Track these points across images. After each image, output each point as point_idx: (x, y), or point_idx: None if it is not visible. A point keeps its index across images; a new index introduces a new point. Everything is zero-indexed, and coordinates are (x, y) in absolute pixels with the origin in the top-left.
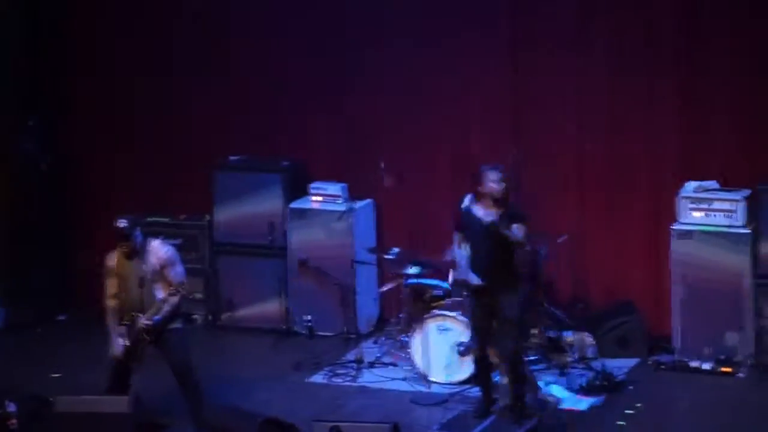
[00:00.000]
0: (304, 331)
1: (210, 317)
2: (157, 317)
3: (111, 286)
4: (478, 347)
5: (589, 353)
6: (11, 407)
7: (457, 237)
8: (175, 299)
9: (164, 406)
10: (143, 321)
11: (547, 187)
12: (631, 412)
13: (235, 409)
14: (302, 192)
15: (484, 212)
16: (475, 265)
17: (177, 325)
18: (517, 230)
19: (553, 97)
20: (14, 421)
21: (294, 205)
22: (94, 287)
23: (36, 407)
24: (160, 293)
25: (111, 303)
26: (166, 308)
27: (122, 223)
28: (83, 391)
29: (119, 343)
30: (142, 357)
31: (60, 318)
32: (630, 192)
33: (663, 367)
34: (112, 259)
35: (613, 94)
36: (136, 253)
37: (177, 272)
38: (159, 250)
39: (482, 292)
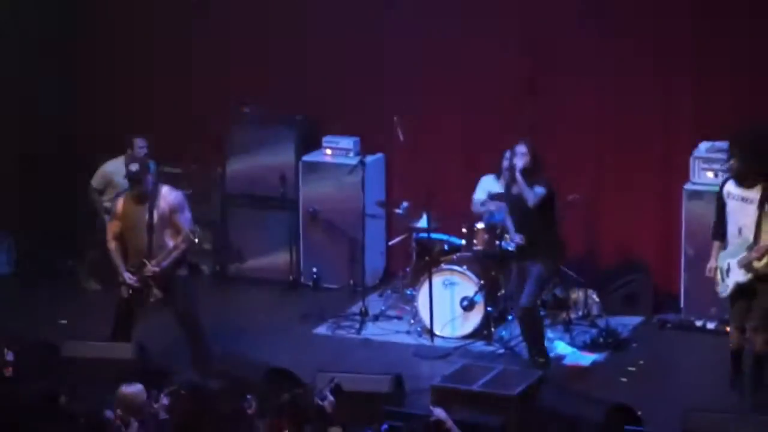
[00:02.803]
0: (310, 283)
1: (218, 268)
2: (164, 263)
3: (113, 227)
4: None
5: (594, 311)
6: (9, 356)
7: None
8: (183, 246)
9: (168, 352)
10: (151, 267)
11: (560, 146)
12: (633, 369)
13: (241, 358)
14: (315, 145)
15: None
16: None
17: (182, 272)
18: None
19: (569, 57)
20: (10, 368)
21: (306, 158)
22: (103, 235)
23: (43, 353)
24: (169, 240)
25: (112, 245)
26: (174, 255)
27: (134, 167)
28: (89, 337)
29: (129, 280)
30: (147, 302)
31: (69, 264)
32: (643, 152)
33: (668, 325)
34: (120, 203)
35: (627, 55)
36: (146, 197)
37: (186, 218)
38: (168, 195)
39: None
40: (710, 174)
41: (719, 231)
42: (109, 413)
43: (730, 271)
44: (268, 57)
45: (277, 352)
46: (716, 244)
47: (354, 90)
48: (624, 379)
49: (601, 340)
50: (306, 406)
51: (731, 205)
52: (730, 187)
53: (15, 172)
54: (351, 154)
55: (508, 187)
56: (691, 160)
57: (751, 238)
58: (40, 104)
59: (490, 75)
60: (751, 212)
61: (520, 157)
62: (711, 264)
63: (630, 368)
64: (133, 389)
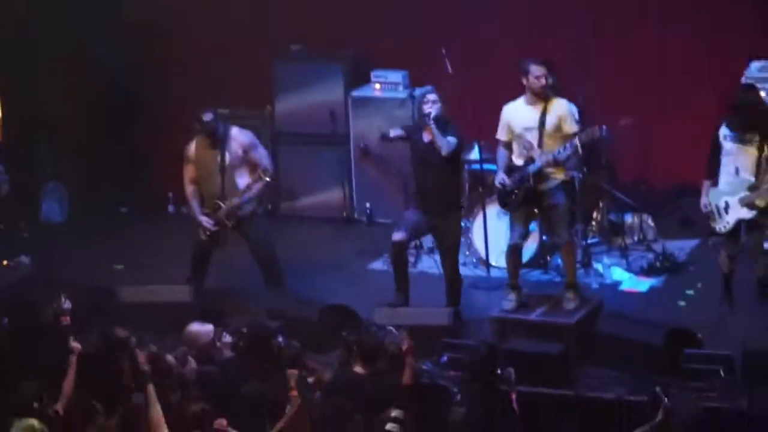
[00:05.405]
0: (364, 219)
1: (270, 207)
2: (245, 196)
3: (189, 171)
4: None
5: (650, 235)
6: (66, 304)
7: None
8: (259, 185)
9: (224, 293)
10: (233, 202)
11: (613, 67)
12: (691, 292)
13: (298, 296)
14: (364, 80)
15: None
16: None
17: (256, 209)
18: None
19: None
20: (67, 317)
21: (355, 93)
22: (155, 180)
23: (100, 298)
24: (242, 180)
25: (189, 189)
26: (254, 190)
27: (208, 116)
28: (146, 281)
29: (206, 223)
30: (223, 243)
31: (122, 210)
32: (697, 74)
33: None
34: (191, 148)
35: None
36: (218, 141)
37: (261, 154)
38: (239, 135)
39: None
40: (763, 93)
41: (712, 170)
42: (170, 356)
43: (729, 208)
44: None
45: (334, 289)
46: (707, 182)
47: (401, 22)
48: (682, 303)
49: (658, 264)
50: (374, 342)
51: (728, 147)
52: (726, 130)
53: (67, 122)
54: (400, 88)
55: (412, 136)
56: (743, 80)
57: (751, 178)
58: (92, 55)
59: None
60: (749, 153)
61: (431, 104)
62: (704, 201)
63: (688, 291)
64: (203, 328)
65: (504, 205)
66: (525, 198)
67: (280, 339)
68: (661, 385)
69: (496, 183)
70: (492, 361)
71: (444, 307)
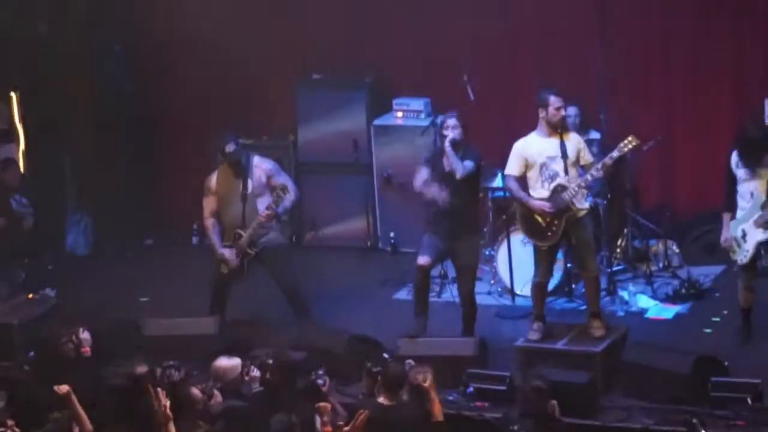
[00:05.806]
0: (389, 248)
1: (294, 237)
2: (279, 209)
3: (210, 203)
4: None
5: (675, 261)
6: (85, 334)
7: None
8: (287, 201)
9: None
10: (273, 208)
11: (633, 93)
12: (717, 319)
13: (323, 326)
14: (386, 108)
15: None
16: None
17: (281, 240)
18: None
19: (639, 2)
20: (87, 348)
21: (377, 121)
22: (180, 212)
23: (124, 331)
24: (263, 206)
25: (209, 221)
26: (286, 200)
27: (231, 147)
28: (171, 314)
29: (230, 256)
30: (244, 274)
31: (147, 242)
32: (717, 96)
33: None
34: (213, 179)
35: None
36: (242, 171)
37: (285, 178)
38: (262, 163)
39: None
40: None
41: (730, 202)
42: (195, 390)
43: (746, 235)
44: (334, 20)
45: (358, 319)
46: (727, 215)
47: (423, 49)
48: (708, 330)
49: (684, 291)
50: (398, 373)
51: (741, 174)
52: (737, 157)
53: (91, 155)
54: (422, 116)
55: (435, 162)
56: (766, 102)
57: (763, 197)
58: (112, 82)
59: (561, 23)
60: (764, 177)
61: (450, 129)
62: (725, 235)
63: (714, 318)
64: (231, 363)
65: (545, 238)
66: (564, 227)
67: (321, 371)
68: (690, 414)
69: (540, 209)
70: (545, 395)
71: (462, 334)
